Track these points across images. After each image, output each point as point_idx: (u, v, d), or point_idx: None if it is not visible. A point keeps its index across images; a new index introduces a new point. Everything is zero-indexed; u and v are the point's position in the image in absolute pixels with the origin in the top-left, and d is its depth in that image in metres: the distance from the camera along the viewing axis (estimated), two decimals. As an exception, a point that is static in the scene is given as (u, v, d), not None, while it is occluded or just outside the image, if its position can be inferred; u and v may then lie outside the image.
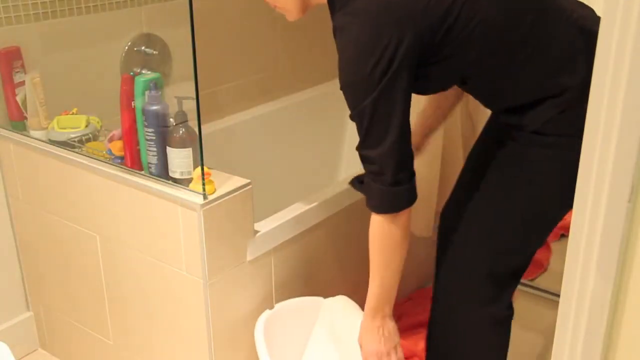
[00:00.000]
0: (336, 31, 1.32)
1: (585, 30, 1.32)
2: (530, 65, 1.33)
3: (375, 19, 1.25)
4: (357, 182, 1.49)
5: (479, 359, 1.59)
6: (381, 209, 1.39)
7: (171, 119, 2.07)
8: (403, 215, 1.39)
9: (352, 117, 1.34)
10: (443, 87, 1.44)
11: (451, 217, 1.55)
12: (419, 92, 1.42)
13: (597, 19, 1.34)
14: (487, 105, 1.48)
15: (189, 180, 1.49)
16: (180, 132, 1.48)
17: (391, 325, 1.52)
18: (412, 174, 1.37)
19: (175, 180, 1.51)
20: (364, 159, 1.36)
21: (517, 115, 1.38)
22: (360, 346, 1.53)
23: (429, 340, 1.65)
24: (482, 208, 1.48)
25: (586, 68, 1.30)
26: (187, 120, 1.49)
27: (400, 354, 1.52)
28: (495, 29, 1.29)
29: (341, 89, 1.33)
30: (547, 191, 1.43)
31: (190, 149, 1.49)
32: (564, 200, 1.41)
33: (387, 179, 1.34)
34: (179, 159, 1.49)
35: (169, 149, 1.50)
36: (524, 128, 1.37)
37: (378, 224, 1.42)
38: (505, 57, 1.32)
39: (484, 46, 1.30)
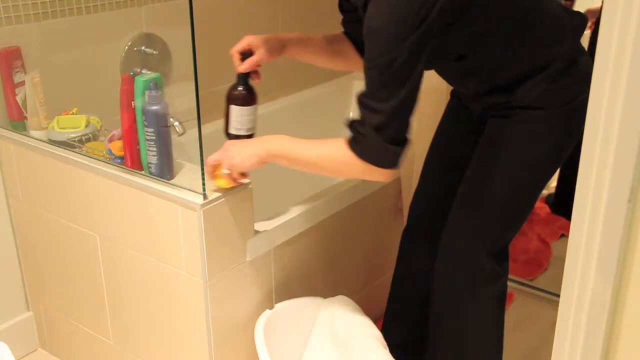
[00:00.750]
0: None
1: (566, 9, 1.47)
2: (529, 38, 1.40)
3: None
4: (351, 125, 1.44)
5: (490, 337, 1.61)
6: (369, 159, 1.36)
7: (171, 119, 2.07)
8: (379, 173, 1.37)
9: (369, 67, 1.30)
10: (444, 58, 1.44)
11: (437, 210, 1.59)
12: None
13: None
14: (475, 86, 1.49)
15: (247, 137, 1.55)
16: (243, 89, 1.53)
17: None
18: (408, 139, 1.36)
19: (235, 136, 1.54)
20: (368, 110, 1.32)
21: (505, 93, 1.44)
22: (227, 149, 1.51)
23: (436, 337, 1.66)
24: (481, 193, 1.51)
25: (569, 42, 1.44)
26: (248, 81, 1.55)
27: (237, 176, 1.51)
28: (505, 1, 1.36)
29: (369, 32, 1.28)
30: (542, 160, 1.49)
31: (253, 107, 1.57)
32: (555, 164, 1.53)
33: (388, 134, 1.31)
34: (241, 117, 1.54)
35: (232, 106, 1.53)
36: (514, 104, 1.44)
37: (352, 161, 1.37)
38: (510, 29, 1.38)
39: (494, 16, 1.35)
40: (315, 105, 2.59)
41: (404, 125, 1.33)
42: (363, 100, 1.33)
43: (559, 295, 0.89)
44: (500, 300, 1.60)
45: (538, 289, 2.33)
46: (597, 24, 2.33)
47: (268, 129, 2.42)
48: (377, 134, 1.32)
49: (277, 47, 1.59)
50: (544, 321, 2.19)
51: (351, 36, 1.64)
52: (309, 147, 1.48)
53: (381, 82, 1.29)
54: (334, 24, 2.65)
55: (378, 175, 1.38)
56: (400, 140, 1.34)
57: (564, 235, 2.63)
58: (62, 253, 1.85)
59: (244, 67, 1.55)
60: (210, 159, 1.49)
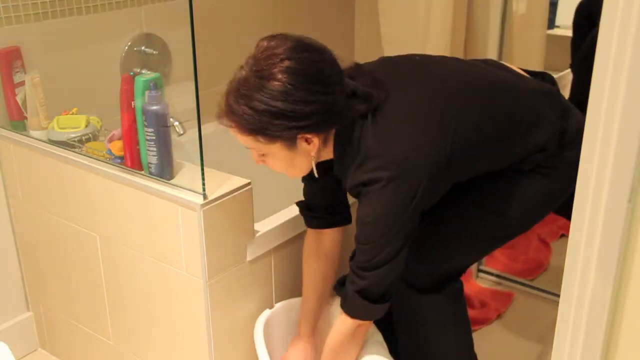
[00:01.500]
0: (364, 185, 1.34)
1: (535, 91, 1.49)
2: (511, 142, 1.44)
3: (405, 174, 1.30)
4: (339, 286, 1.53)
5: (451, 335, 1.67)
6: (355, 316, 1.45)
7: (171, 119, 2.07)
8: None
9: (367, 245, 1.37)
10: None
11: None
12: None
13: (528, 80, 1.52)
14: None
15: None
16: None
17: None
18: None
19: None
20: (360, 275, 1.40)
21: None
22: None
23: (403, 340, 1.70)
24: (464, 224, 1.56)
25: (551, 123, 1.46)
26: None
27: None
28: (477, 130, 1.39)
29: (364, 223, 1.36)
30: (531, 207, 1.54)
31: None
32: (542, 213, 1.59)
33: (374, 295, 1.41)
34: None
35: None
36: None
37: (349, 325, 1.46)
38: (490, 146, 1.43)
39: (474, 149, 1.40)
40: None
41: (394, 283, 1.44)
42: (358, 269, 1.41)
43: (559, 295, 0.89)
44: (457, 298, 1.65)
45: (538, 289, 2.33)
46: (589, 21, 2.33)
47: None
48: (364, 296, 1.41)
49: (309, 352, 1.67)
50: (544, 321, 2.19)
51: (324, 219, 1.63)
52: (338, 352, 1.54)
53: (380, 249, 1.36)
54: (334, 24, 2.65)
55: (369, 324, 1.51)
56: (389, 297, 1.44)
57: (564, 235, 2.63)
58: (62, 253, 1.85)
59: None
60: None
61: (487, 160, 1.44)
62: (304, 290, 1.66)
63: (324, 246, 1.62)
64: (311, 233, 1.63)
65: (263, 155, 1.37)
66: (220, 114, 1.33)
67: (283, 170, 1.40)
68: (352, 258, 1.43)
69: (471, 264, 1.70)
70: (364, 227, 1.36)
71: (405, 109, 1.34)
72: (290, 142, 1.30)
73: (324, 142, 1.35)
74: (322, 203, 1.57)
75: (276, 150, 1.33)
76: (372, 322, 1.50)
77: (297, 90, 1.24)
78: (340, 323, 1.47)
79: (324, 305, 1.68)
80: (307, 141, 1.31)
